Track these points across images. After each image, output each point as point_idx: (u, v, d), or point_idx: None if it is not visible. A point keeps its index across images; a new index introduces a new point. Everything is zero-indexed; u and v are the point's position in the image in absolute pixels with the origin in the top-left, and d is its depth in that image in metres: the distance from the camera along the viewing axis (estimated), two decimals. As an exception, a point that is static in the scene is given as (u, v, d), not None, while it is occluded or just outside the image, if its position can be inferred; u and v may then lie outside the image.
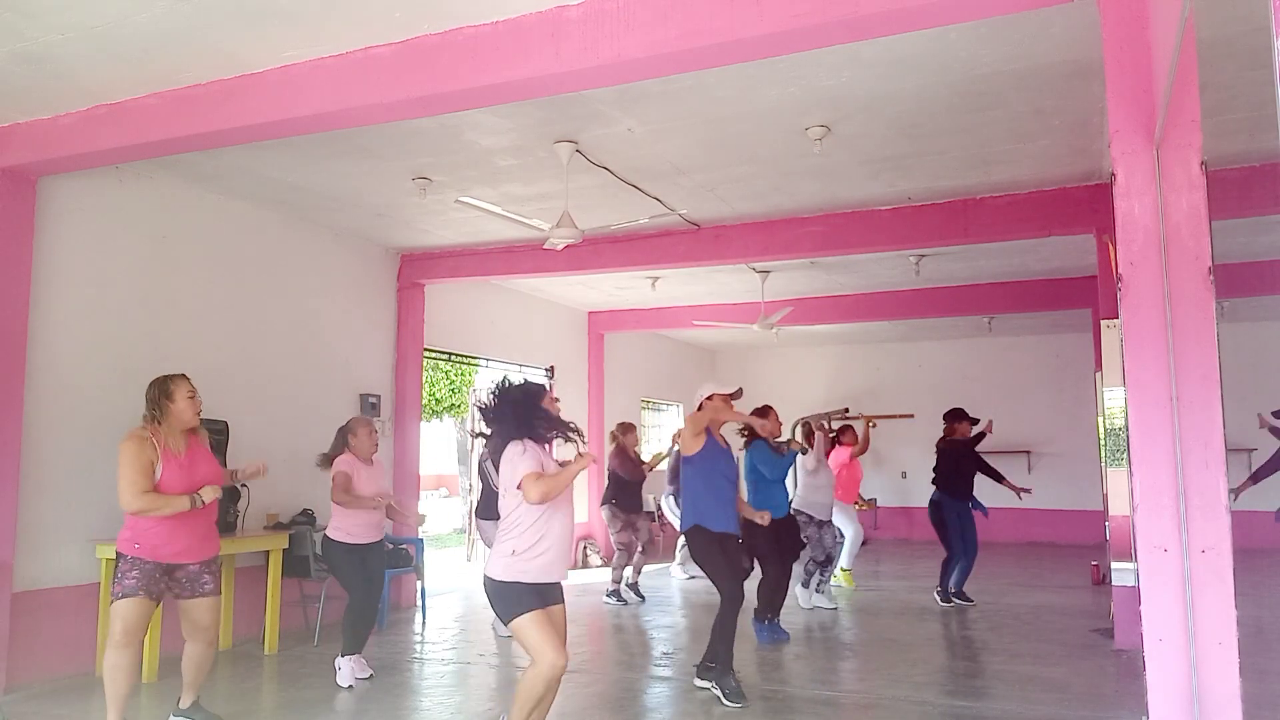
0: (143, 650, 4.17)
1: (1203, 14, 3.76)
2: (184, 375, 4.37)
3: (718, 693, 4.91)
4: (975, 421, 8.41)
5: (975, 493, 8.26)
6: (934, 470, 8.31)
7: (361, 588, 5.50)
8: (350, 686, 5.26)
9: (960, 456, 8.23)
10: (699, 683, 5.16)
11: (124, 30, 4.07)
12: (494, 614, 6.51)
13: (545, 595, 3.72)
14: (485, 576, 3.76)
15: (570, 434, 3.87)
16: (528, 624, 3.63)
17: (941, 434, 8.47)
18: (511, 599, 3.66)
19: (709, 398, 5.28)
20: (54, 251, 5.58)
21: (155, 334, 6.11)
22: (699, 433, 5.20)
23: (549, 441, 3.87)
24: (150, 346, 6.02)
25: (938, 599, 8.03)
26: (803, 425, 8.25)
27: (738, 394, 5.32)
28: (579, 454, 3.77)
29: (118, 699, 4.09)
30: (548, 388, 4.11)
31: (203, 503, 4.20)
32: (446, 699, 5.13)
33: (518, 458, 3.68)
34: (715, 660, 5.03)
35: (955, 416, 8.43)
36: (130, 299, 6.01)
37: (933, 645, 6.39)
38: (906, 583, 9.55)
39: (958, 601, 7.95)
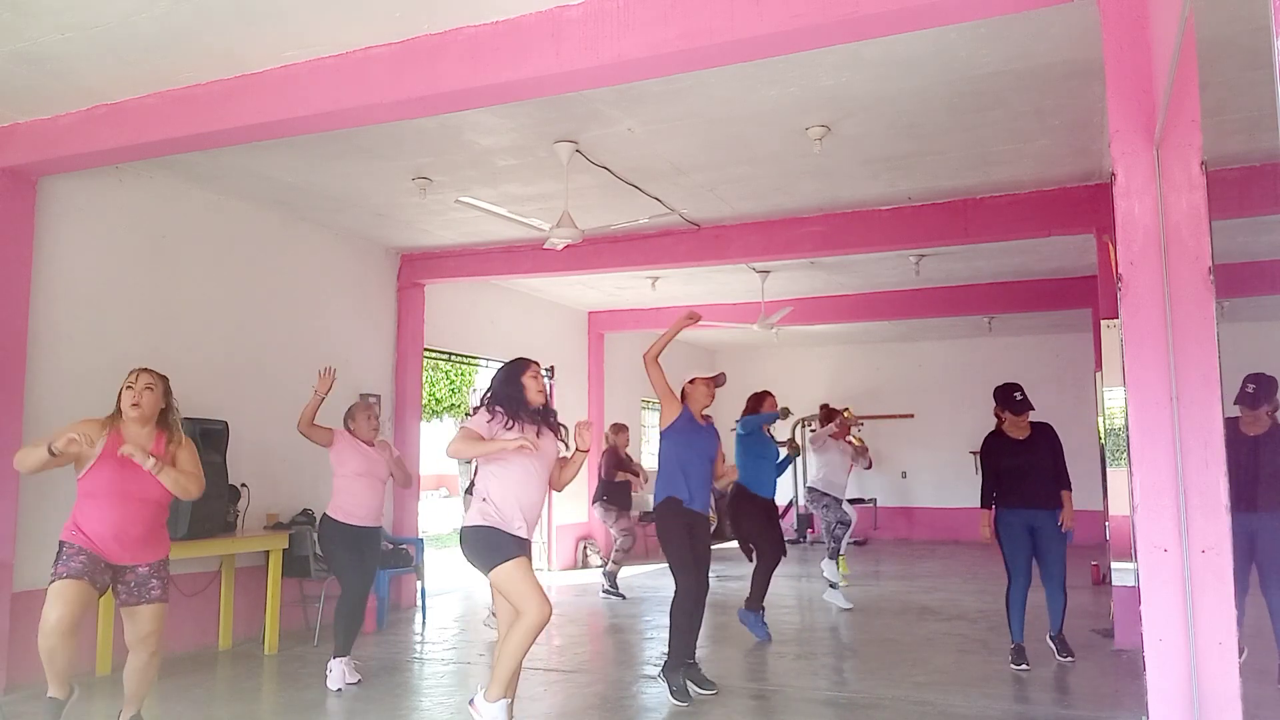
0: (75, 637, 3.79)
1: (1203, 14, 3.76)
2: (136, 370, 4.07)
3: (666, 688, 4.92)
4: (1027, 409, 5.81)
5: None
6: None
7: (355, 574, 5.40)
8: (340, 690, 5.20)
9: (1002, 451, 5.85)
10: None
11: (124, 30, 4.07)
12: (490, 610, 6.62)
13: (521, 548, 3.85)
14: (462, 529, 3.88)
15: (522, 419, 3.93)
16: (512, 570, 3.69)
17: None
18: (491, 546, 3.75)
19: (690, 382, 5.33)
20: (54, 251, 5.58)
21: (155, 334, 6.11)
22: (674, 402, 5.18)
23: (521, 420, 3.94)
24: (150, 346, 6.01)
25: (1053, 646, 5.80)
26: (823, 409, 8.53)
27: (720, 378, 5.35)
28: (569, 443, 4.01)
29: (58, 675, 3.79)
30: (535, 364, 4.14)
31: (51, 452, 3.69)
32: (446, 699, 5.13)
33: (481, 413, 3.92)
34: (669, 653, 5.02)
35: (996, 400, 5.93)
36: (130, 299, 6.00)
37: (933, 645, 6.39)
38: (906, 583, 9.55)
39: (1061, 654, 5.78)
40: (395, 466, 5.79)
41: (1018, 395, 5.79)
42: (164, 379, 4.11)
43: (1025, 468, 5.71)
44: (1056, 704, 4.87)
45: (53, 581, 3.75)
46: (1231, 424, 5.12)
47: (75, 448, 3.77)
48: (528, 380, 4.03)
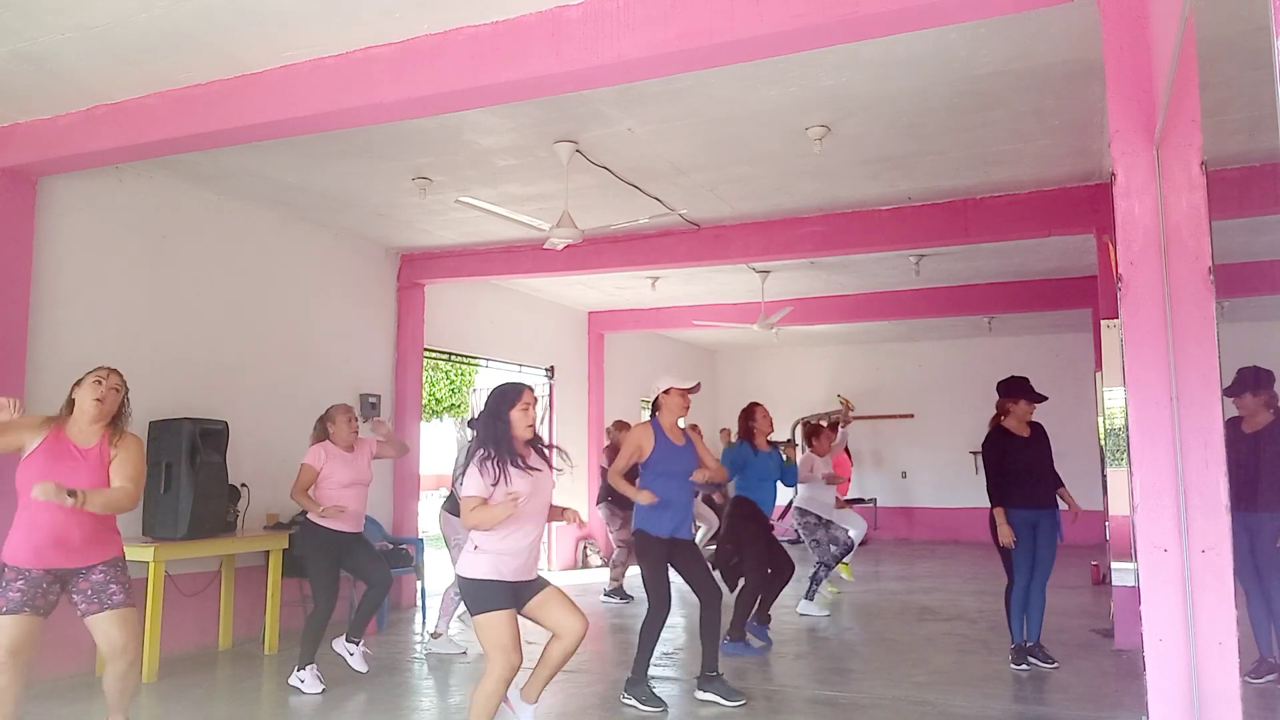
0: (24, 671, 3.61)
1: (1203, 14, 3.76)
2: (106, 368, 3.89)
3: (631, 702, 4.82)
4: (1040, 398, 5.77)
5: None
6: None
7: (328, 584, 5.32)
8: (323, 691, 5.17)
9: (1010, 448, 5.68)
10: (700, 694, 5.00)
11: (124, 30, 4.07)
12: (429, 634, 6.54)
13: (519, 594, 3.77)
14: (458, 578, 3.80)
15: (513, 463, 3.73)
16: (491, 622, 3.65)
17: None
18: (480, 594, 3.69)
19: (665, 392, 5.09)
20: (54, 251, 5.58)
21: (155, 334, 6.11)
22: (645, 439, 5.01)
23: (515, 457, 3.76)
24: (150, 346, 6.02)
25: (1035, 661, 5.62)
26: (803, 425, 8.26)
27: (695, 389, 5.16)
28: (504, 503, 3.65)
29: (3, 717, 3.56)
30: (527, 392, 3.90)
31: None
32: (446, 699, 5.13)
33: (473, 472, 3.70)
34: (633, 669, 4.91)
35: (1012, 391, 5.78)
36: (130, 299, 6.00)
37: (933, 645, 6.39)
38: (906, 583, 9.55)
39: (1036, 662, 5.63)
40: (386, 447, 5.65)
41: (1031, 384, 5.73)
42: (126, 385, 3.94)
43: (1030, 467, 5.63)
44: (1057, 704, 4.87)
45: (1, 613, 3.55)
46: (1233, 424, 5.18)
47: (3, 415, 3.64)
48: (515, 415, 3.79)
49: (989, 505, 5.64)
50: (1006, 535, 5.52)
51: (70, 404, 3.81)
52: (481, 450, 3.75)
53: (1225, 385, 5.19)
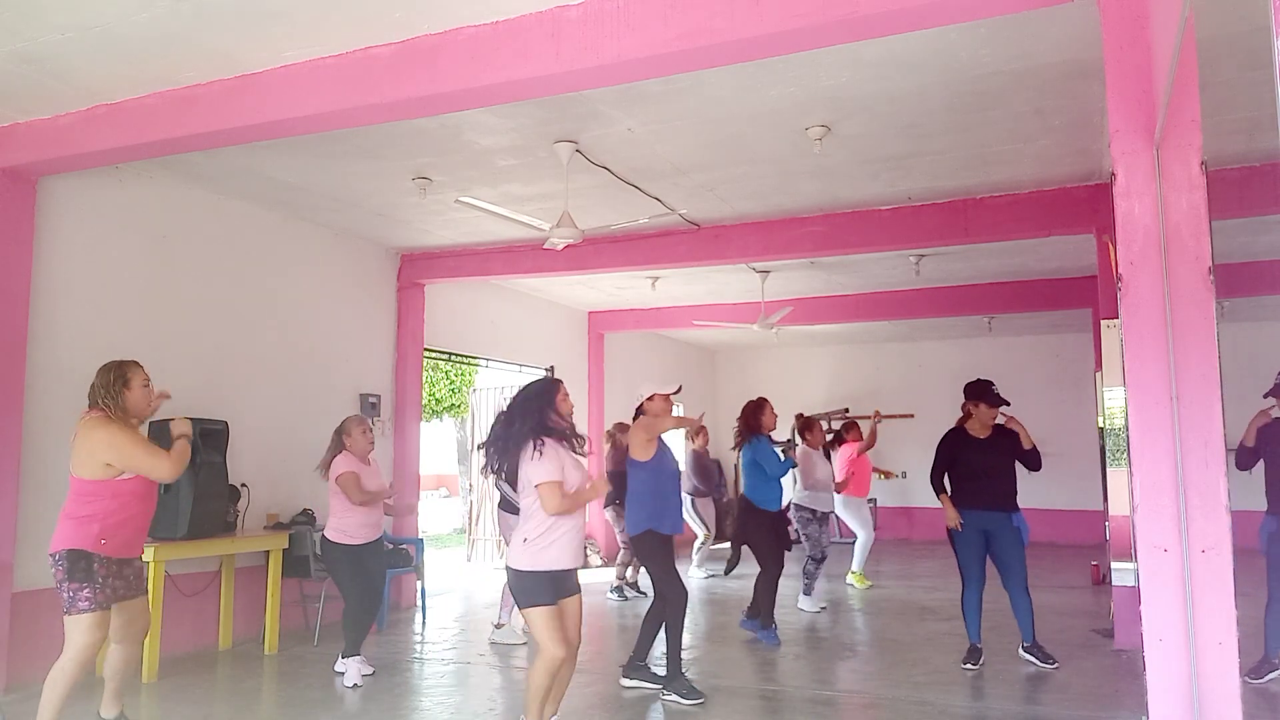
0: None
1: (1203, 14, 3.76)
2: (138, 364, 4.11)
3: (673, 698, 4.95)
4: (1002, 402, 5.81)
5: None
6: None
7: (359, 591, 5.56)
8: (356, 685, 5.32)
9: (960, 448, 5.89)
10: (626, 682, 5.21)
11: (124, 30, 4.07)
12: (493, 624, 6.67)
13: (560, 584, 3.95)
14: (507, 566, 4.01)
15: (574, 441, 4.07)
16: (537, 616, 3.88)
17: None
18: (527, 588, 3.89)
19: (650, 398, 5.28)
20: (54, 251, 5.58)
21: (155, 334, 6.11)
22: (651, 439, 5.20)
23: (564, 439, 4.03)
24: (150, 346, 6.00)
25: (1032, 658, 5.68)
26: (799, 418, 8.26)
27: (677, 392, 5.36)
28: (591, 483, 4.03)
29: (57, 713, 3.84)
30: (562, 383, 4.22)
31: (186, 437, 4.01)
32: (446, 699, 5.13)
33: (538, 459, 3.88)
34: (669, 662, 5.06)
35: (972, 394, 5.91)
36: (130, 299, 6.00)
37: (933, 645, 6.39)
38: (906, 583, 9.55)
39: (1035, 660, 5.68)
40: (388, 508, 5.95)
41: (994, 389, 5.85)
42: None
43: (983, 468, 5.75)
44: (1056, 704, 4.87)
45: (91, 610, 3.73)
46: (1277, 424, 5.30)
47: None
48: (562, 404, 4.08)
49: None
50: (952, 517, 5.72)
51: (116, 404, 3.96)
52: (542, 438, 3.93)
53: (1276, 383, 5.29)
